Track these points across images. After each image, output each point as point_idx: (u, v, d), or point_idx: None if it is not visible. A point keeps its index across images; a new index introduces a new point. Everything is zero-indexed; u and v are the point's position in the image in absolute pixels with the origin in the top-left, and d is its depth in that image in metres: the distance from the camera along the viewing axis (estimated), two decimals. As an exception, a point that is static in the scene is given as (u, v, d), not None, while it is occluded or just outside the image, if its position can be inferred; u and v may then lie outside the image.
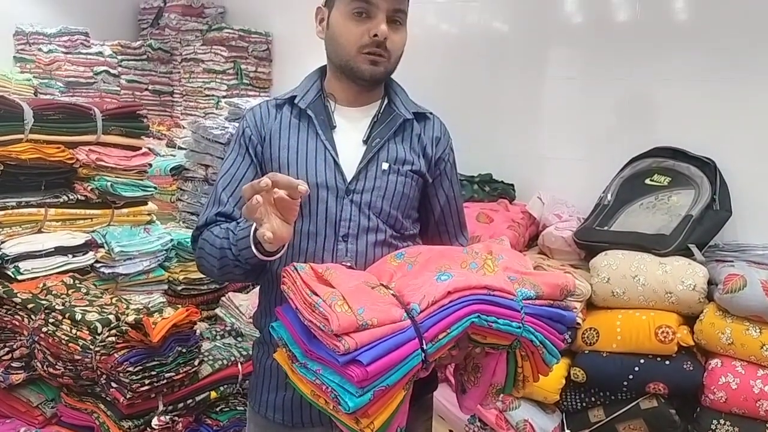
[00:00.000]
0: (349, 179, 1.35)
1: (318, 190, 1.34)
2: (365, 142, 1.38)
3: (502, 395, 1.28)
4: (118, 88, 4.74)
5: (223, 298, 2.79)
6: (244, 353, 2.23)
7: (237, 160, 1.41)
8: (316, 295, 1.07)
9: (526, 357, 1.22)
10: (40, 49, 4.50)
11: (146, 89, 4.91)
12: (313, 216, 1.35)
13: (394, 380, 1.03)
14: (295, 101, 1.40)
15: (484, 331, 1.13)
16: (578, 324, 2.28)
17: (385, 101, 1.44)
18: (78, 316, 1.91)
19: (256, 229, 1.16)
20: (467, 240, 1.59)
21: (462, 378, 1.30)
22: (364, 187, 1.35)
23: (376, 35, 1.30)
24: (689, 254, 2.30)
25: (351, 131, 1.39)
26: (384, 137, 1.38)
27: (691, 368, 2.12)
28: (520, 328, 1.14)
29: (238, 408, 2.18)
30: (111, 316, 1.92)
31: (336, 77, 1.40)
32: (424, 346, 1.06)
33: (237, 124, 3.09)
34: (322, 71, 1.46)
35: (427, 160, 1.43)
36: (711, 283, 2.21)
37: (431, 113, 1.48)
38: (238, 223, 1.29)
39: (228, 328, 2.46)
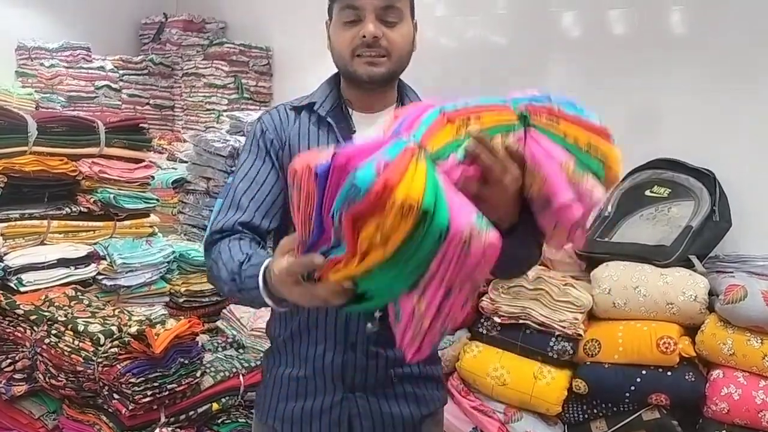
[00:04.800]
0: None
1: None
2: None
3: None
4: (120, 103, 4.75)
5: (224, 311, 2.79)
6: (246, 365, 2.23)
7: (256, 163, 1.36)
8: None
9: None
10: (42, 64, 4.52)
11: (147, 103, 4.92)
12: None
13: (393, 154, 0.89)
14: (315, 108, 1.39)
15: (467, 112, 0.99)
16: (580, 335, 2.28)
17: (400, 106, 1.41)
18: (80, 327, 1.91)
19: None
20: None
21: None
22: None
23: (364, 36, 1.30)
24: (690, 265, 2.31)
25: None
26: None
27: (693, 379, 2.13)
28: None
29: (239, 420, 2.17)
30: (113, 328, 1.92)
31: (347, 85, 1.40)
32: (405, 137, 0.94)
33: (239, 138, 3.12)
34: (338, 78, 1.43)
35: None
36: (712, 294, 2.22)
37: None
38: (258, 252, 1.19)
39: (229, 340, 2.46)
